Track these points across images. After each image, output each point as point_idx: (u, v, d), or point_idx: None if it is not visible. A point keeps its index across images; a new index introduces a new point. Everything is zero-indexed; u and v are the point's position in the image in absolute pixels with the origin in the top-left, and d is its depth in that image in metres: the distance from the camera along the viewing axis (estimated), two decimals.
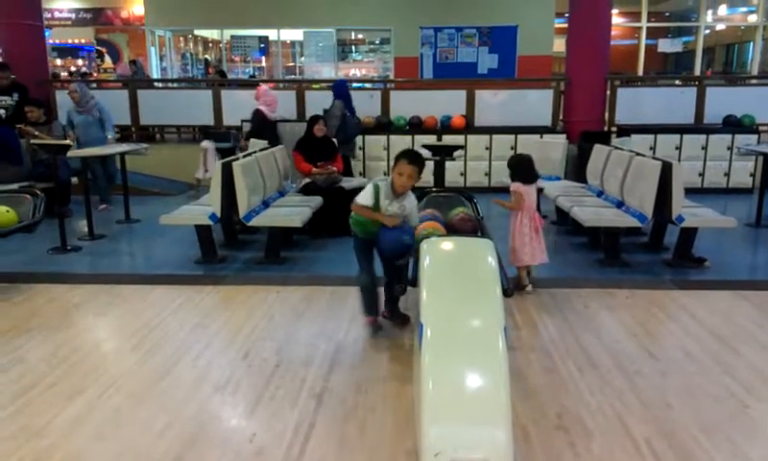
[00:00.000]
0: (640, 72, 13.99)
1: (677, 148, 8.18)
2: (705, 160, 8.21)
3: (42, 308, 4.11)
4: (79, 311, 4.12)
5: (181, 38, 14.77)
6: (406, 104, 8.78)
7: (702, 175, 8.23)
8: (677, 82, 11.26)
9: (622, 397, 2.89)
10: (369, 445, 2.54)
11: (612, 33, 8.92)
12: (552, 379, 3.08)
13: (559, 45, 12.15)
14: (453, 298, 2.62)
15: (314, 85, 10.31)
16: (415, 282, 2.98)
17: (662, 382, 3.05)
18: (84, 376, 3.12)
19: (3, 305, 4.16)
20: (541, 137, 7.81)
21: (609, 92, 8.62)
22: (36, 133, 6.65)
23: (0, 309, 4.09)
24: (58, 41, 16.21)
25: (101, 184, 7.45)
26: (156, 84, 11.74)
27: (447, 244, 3.16)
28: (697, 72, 14.02)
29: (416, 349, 2.65)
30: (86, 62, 16.40)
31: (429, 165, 6.39)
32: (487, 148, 8.32)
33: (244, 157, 5.45)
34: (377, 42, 13.46)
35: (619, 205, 5.35)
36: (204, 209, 5.16)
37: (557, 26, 12.34)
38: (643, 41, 14.19)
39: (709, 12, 14.58)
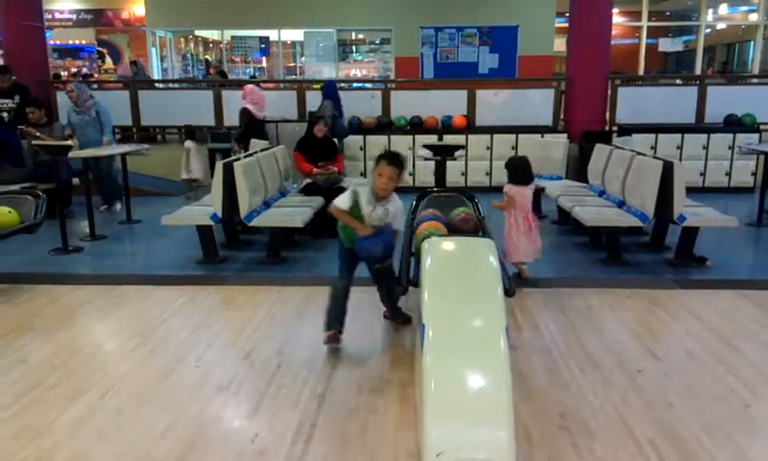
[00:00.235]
0: (641, 71, 13.99)
1: (678, 147, 8.17)
2: (706, 160, 8.20)
3: (44, 309, 4.12)
4: (81, 312, 4.12)
5: (182, 39, 14.79)
6: (407, 104, 8.77)
7: (703, 174, 8.22)
8: (678, 81, 11.25)
9: (624, 396, 2.89)
10: (371, 445, 2.53)
11: (613, 32, 8.92)
12: (554, 379, 3.08)
13: (559, 45, 12.16)
14: (455, 298, 2.62)
15: (314, 86, 10.30)
16: (416, 283, 2.98)
17: (664, 382, 3.05)
18: (86, 377, 3.12)
19: (5, 306, 4.16)
20: (542, 137, 7.79)
21: (609, 92, 8.62)
22: (38, 134, 6.66)
23: (2, 310, 4.10)
24: (58, 42, 16.22)
25: (104, 185, 7.42)
26: (156, 84, 11.75)
27: (449, 244, 3.16)
28: (698, 71, 14.02)
29: (417, 349, 2.66)
30: (87, 63, 16.41)
31: (430, 165, 6.44)
32: (488, 148, 8.32)
33: (245, 157, 5.45)
34: (378, 42, 13.47)
35: (620, 204, 5.34)
36: (205, 210, 5.16)
37: (557, 25, 12.35)
38: (644, 41, 14.20)
39: (710, 11, 14.57)
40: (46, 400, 2.90)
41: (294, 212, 5.29)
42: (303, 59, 13.76)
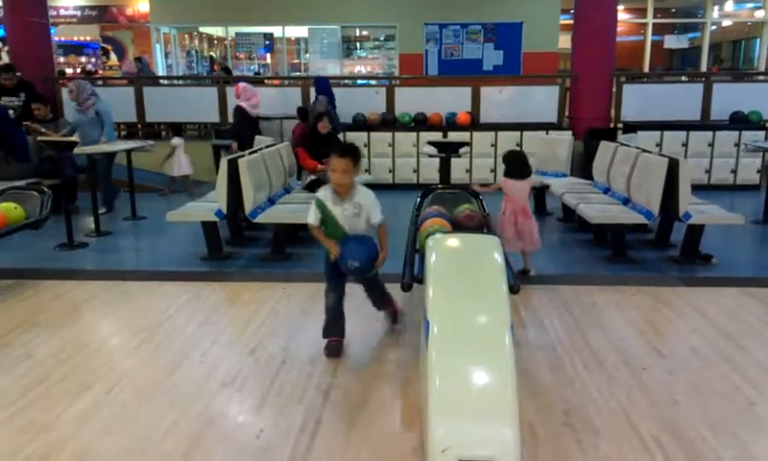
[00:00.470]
0: (646, 68, 13.92)
1: (683, 145, 8.14)
2: (711, 157, 8.17)
3: (50, 304, 4.13)
4: (86, 307, 4.14)
5: (186, 36, 14.78)
6: (411, 101, 8.75)
7: (708, 172, 8.18)
8: (683, 78, 11.19)
9: (629, 393, 2.89)
10: (375, 441, 2.54)
11: (618, 29, 8.87)
12: (558, 376, 3.08)
13: (564, 41, 12.10)
14: (459, 295, 2.61)
15: None
16: (421, 279, 2.98)
17: (669, 379, 3.04)
18: (92, 372, 3.14)
19: (11, 302, 4.18)
20: (547, 134, 7.79)
21: (615, 89, 8.58)
22: (43, 130, 6.66)
23: (8, 306, 4.12)
24: (63, 39, 16.26)
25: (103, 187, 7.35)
26: (161, 81, 11.76)
27: (453, 241, 3.15)
28: (703, 68, 13.94)
29: (422, 345, 2.65)
30: (92, 60, 16.44)
31: (435, 162, 6.43)
32: (492, 145, 8.30)
33: (250, 153, 5.45)
34: (382, 39, 13.44)
35: (626, 201, 5.33)
36: (210, 206, 5.18)
37: (562, 22, 12.30)
38: (649, 37, 14.12)
39: (716, 7, 14.48)
40: (52, 394, 2.92)
41: (299, 209, 5.29)
42: (308, 55, 13.75)
